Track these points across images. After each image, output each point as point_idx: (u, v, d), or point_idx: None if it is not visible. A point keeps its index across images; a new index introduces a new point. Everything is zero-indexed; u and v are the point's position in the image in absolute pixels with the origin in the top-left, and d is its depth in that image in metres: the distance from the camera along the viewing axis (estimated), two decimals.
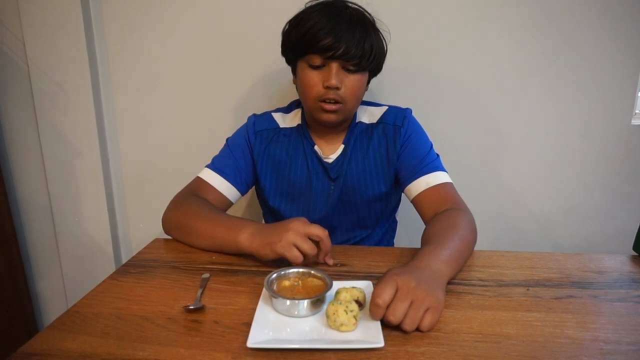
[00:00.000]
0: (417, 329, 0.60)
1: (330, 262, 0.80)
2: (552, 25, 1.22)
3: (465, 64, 1.27)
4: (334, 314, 0.59)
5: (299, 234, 0.74)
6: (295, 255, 0.73)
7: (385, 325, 0.60)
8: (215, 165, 1.01)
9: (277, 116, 1.06)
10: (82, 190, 1.44)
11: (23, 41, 1.32)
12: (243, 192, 1.03)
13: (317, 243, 0.76)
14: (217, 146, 1.06)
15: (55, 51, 1.32)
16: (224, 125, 1.37)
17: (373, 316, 0.60)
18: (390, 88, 1.29)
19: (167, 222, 0.93)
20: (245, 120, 1.06)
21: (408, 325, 0.59)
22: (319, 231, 0.75)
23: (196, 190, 0.97)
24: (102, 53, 1.36)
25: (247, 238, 0.79)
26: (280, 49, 0.98)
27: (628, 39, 1.21)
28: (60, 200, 1.45)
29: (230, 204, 1.01)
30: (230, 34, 1.31)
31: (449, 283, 0.73)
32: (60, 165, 1.42)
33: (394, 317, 0.59)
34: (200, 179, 0.99)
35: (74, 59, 1.32)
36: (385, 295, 0.59)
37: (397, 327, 0.60)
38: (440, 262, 0.69)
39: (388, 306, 0.59)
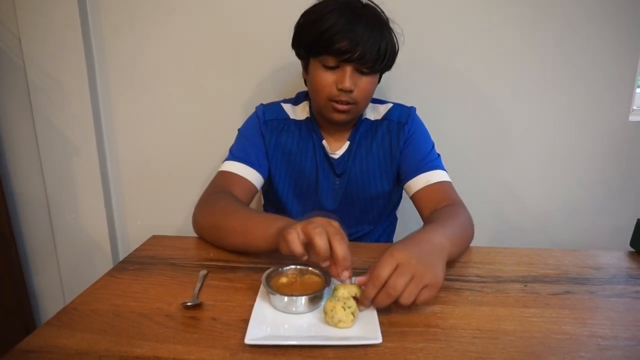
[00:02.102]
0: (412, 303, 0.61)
1: (346, 275, 0.65)
2: (550, 22, 1.21)
3: (465, 62, 1.27)
4: (331, 310, 0.59)
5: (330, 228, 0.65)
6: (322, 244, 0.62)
7: (383, 310, 0.61)
8: (235, 155, 0.99)
9: (286, 107, 1.05)
10: (79, 187, 1.43)
11: (19, 36, 1.31)
12: (265, 177, 1.02)
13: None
14: (215, 142, 1.06)
15: (51, 46, 1.31)
16: (223, 120, 1.36)
17: (369, 291, 0.60)
18: (393, 85, 1.29)
19: (197, 224, 0.90)
20: (247, 113, 1.06)
21: (405, 299, 0.59)
22: (340, 250, 0.63)
23: (222, 185, 0.94)
24: (98, 47, 1.35)
25: (280, 227, 0.71)
26: (284, 44, 0.98)
27: (626, 35, 1.21)
28: (57, 197, 1.44)
29: (256, 191, 0.99)
30: (231, 28, 1.30)
31: (447, 279, 0.72)
32: (57, 162, 1.41)
33: (394, 291, 0.59)
34: (224, 171, 0.97)
35: (70, 54, 1.31)
36: (384, 272, 0.59)
37: (396, 323, 0.61)
38: (443, 237, 0.70)
39: (387, 282, 0.60)
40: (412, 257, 0.61)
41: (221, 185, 0.95)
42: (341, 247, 0.63)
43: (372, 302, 0.61)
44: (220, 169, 0.98)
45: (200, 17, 1.30)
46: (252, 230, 0.78)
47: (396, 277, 0.59)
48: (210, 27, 1.30)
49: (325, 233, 0.63)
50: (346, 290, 0.63)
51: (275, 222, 0.74)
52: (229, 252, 0.84)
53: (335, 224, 0.66)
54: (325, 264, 0.64)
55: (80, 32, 1.29)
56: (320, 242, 0.62)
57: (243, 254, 0.83)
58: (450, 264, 0.80)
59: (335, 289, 0.64)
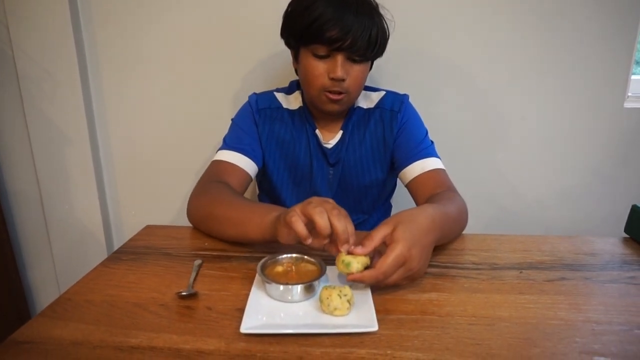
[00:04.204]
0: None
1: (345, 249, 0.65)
2: (545, 9, 1.20)
3: (458, 48, 1.26)
4: (327, 298, 0.59)
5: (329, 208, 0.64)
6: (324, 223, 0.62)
7: (378, 298, 0.61)
8: (229, 144, 0.99)
9: (279, 96, 1.04)
10: (72, 178, 1.42)
11: (7, 24, 1.28)
12: (260, 165, 1.01)
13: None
14: (208, 132, 1.05)
15: (40, 35, 1.28)
16: (215, 110, 1.35)
17: (369, 281, 0.62)
18: (386, 72, 1.28)
19: (191, 214, 0.89)
20: (239, 103, 1.05)
21: (388, 284, 0.63)
22: (339, 225, 0.63)
23: (216, 174, 0.94)
24: (89, 36, 1.33)
25: (276, 216, 0.71)
26: (274, 33, 0.96)
27: (621, 21, 1.20)
28: (50, 188, 1.43)
29: (250, 180, 0.98)
30: (222, 17, 1.28)
31: (442, 266, 0.75)
32: (49, 153, 1.40)
33: (389, 284, 0.63)
34: (218, 161, 0.96)
35: (60, 43, 1.29)
36: (391, 270, 0.61)
37: (392, 311, 0.61)
38: (439, 222, 0.71)
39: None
40: (417, 259, 0.63)
41: (215, 174, 0.94)
42: (339, 222, 0.62)
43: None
44: (215, 159, 0.97)
45: (191, 7, 1.28)
46: (247, 221, 0.77)
47: (397, 277, 0.63)
48: (202, 17, 1.29)
49: (324, 211, 0.63)
50: (356, 261, 0.62)
51: (271, 211, 0.74)
52: (224, 241, 0.83)
53: (331, 201, 0.66)
54: (325, 241, 0.65)
55: (70, 20, 1.27)
56: (321, 220, 0.62)
57: (238, 244, 0.82)
58: (446, 251, 0.81)
59: (345, 262, 0.63)
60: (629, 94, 1.30)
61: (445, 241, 0.81)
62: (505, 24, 1.23)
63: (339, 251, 0.64)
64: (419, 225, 0.66)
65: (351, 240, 0.64)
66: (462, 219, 0.85)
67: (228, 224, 0.80)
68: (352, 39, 0.84)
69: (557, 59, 1.25)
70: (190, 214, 0.90)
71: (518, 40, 1.24)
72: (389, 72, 1.28)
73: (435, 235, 0.69)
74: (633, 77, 1.29)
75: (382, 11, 0.91)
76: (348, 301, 0.59)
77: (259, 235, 0.74)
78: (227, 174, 0.94)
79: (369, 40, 0.86)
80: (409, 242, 0.62)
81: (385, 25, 0.92)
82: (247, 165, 0.97)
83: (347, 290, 0.60)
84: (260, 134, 1.01)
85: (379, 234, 0.64)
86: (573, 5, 1.20)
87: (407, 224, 0.64)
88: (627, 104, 1.28)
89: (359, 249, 0.63)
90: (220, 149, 0.99)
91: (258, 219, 0.74)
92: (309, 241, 0.64)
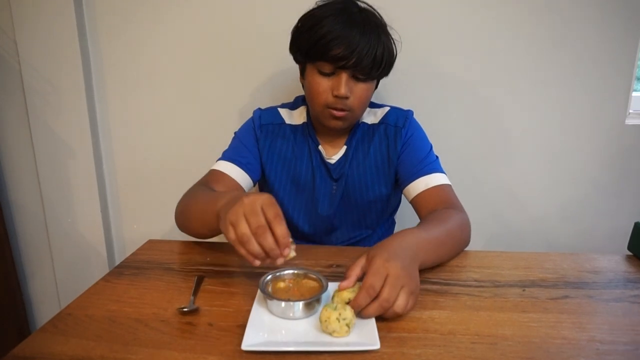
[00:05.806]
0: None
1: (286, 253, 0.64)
2: (547, 24, 1.22)
3: (462, 64, 1.27)
4: (325, 320, 0.58)
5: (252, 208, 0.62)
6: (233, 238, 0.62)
7: (380, 316, 0.61)
8: (225, 155, 1.00)
9: (283, 112, 1.05)
10: (75, 191, 1.42)
11: (15, 39, 1.30)
12: (255, 180, 1.02)
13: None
14: (212, 146, 1.05)
15: (47, 49, 1.30)
16: (220, 124, 1.36)
17: (363, 300, 0.60)
18: (390, 88, 1.29)
19: (175, 216, 0.92)
20: (244, 117, 1.06)
21: (399, 308, 0.61)
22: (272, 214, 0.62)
23: (205, 182, 0.95)
24: (95, 50, 1.35)
25: (223, 205, 0.68)
26: (282, 48, 0.97)
27: (622, 37, 1.21)
28: (52, 201, 1.43)
29: (242, 190, 0.99)
30: (228, 30, 1.29)
31: (444, 284, 0.74)
32: (53, 166, 1.40)
33: (388, 303, 0.60)
34: (214, 170, 0.98)
35: (66, 57, 1.30)
36: (378, 283, 0.61)
37: (394, 329, 0.61)
38: (419, 244, 0.72)
39: (380, 294, 0.61)
40: (399, 267, 0.63)
41: (205, 181, 0.96)
42: (280, 228, 0.61)
43: (362, 312, 0.61)
44: (212, 168, 0.99)
45: (197, 21, 1.29)
46: (208, 209, 0.74)
47: (389, 289, 0.61)
48: (207, 31, 1.30)
49: (251, 237, 0.60)
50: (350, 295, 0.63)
51: (222, 197, 0.71)
52: (199, 239, 0.85)
53: (264, 200, 0.62)
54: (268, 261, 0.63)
55: (77, 34, 1.29)
56: (253, 248, 0.61)
57: (242, 262, 0.81)
58: (448, 267, 0.81)
59: (337, 296, 0.64)
60: (631, 111, 1.31)
61: (439, 262, 0.80)
62: (509, 40, 1.24)
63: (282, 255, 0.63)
64: (392, 245, 0.68)
65: (286, 248, 0.62)
66: (452, 240, 0.83)
67: (194, 216, 0.82)
68: (357, 57, 0.85)
69: (560, 76, 1.25)
70: (175, 217, 0.92)
71: (521, 57, 1.25)
72: (393, 88, 1.29)
73: (413, 253, 0.69)
74: (634, 94, 1.30)
75: (389, 31, 0.92)
76: (347, 325, 0.58)
77: (215, 224, 0.70)
78: (216, 181, 0.95)
79: (374, 60, 0.87)
80: (384, 256, 0.64)
81: (393, 45, 0.92)
82: (239, 176, 0.97)
83: (347, 313, 0.59)
84: (261, 149, 1.02)
85: (357, 264, 0.66)
86: (576, 22, 1.21)
87: (380, 247, 0.67)
88: (629, 121, 1.29)
89: (344, 283, 0.64)
90: (219, 159, 1.00)
91: (213, 205, 0.71)
92: (258, 263, 0.62)
